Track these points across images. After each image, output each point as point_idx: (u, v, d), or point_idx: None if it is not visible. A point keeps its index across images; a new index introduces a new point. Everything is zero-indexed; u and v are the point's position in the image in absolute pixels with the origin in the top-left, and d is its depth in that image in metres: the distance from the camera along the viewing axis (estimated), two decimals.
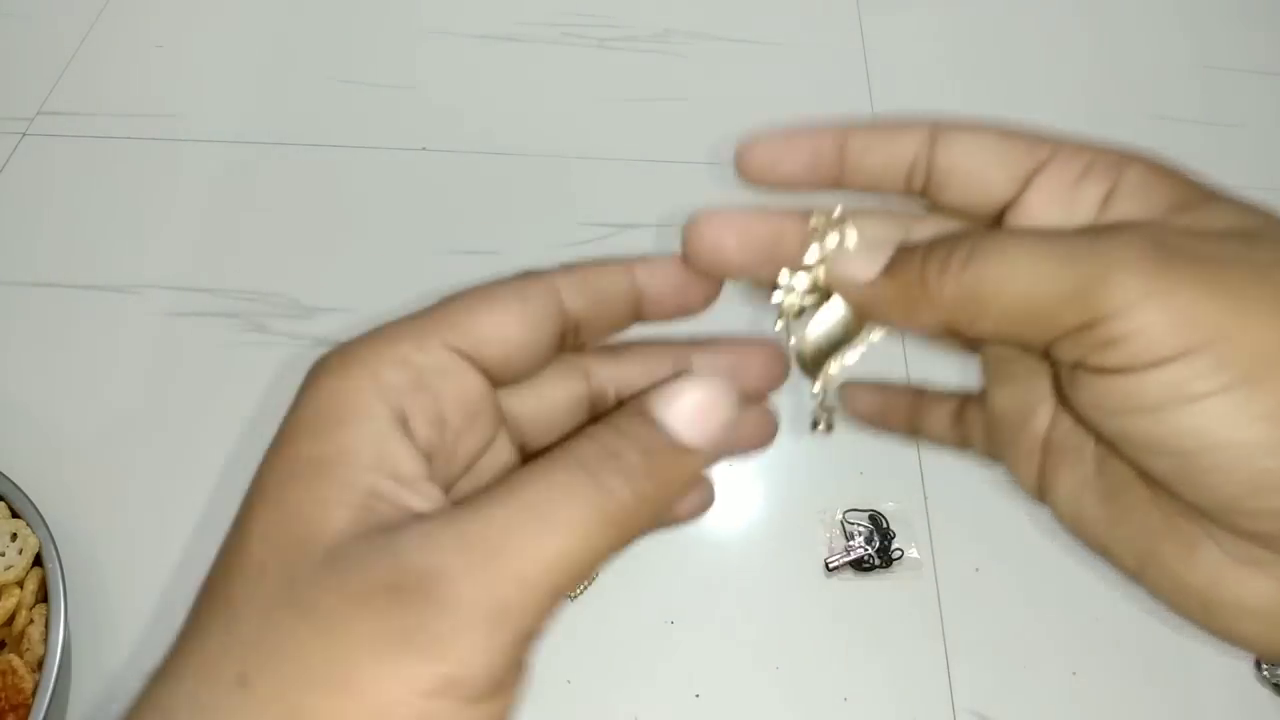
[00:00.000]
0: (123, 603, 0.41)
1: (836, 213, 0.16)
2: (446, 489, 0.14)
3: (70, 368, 0.47)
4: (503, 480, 0.13)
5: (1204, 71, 0.61)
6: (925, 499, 0.44)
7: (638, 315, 0.17)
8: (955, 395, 0.20)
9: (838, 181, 0.17)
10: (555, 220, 0.53)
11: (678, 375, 0.14)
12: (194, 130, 0.56)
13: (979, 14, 0.64)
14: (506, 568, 0.12)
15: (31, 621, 0.38)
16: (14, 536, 0.38)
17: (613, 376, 0.17)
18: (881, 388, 0.20)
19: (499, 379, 0.15)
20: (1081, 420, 0.15)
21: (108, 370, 0.47)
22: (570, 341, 0.16)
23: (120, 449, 0.45)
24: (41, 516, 0.39)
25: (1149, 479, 0.14)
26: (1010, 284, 0.13)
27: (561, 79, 0.60)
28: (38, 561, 0.38)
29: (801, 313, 0.16)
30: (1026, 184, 0.15)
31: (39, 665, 0.36)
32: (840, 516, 0.43)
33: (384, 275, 0.51)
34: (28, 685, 0.36)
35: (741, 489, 0.44)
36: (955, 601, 0.41)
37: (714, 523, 0.43)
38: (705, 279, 0.17)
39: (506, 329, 0.15)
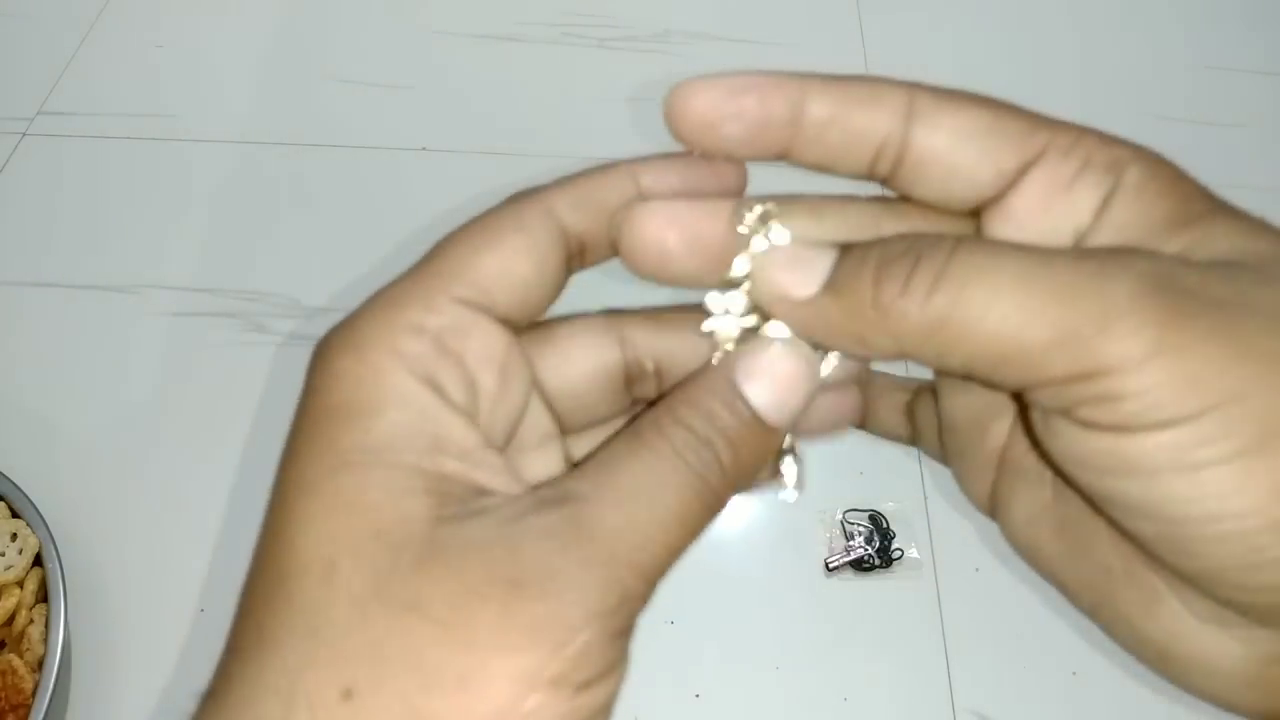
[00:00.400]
0: (123, 602, 0.41)
1: (757, 211, 0.13)
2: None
3: (70, 367, 0.47)
4: (593, 465, 0.13)
5: (1203, 71, 0.61)
6: (925, 499, 0.44)
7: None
8: (906, 385, 0.18)
9: (785, 154, 0.14)
10: None
11: (752, 344, 0.13)
12: (194, 130, 0.56)
13: (978, 14, 0.64)
14: (626, 561, 0.12)
15: (31, 621, 0.38)
16: (14, 536, 0.38)
17: (652, 347, 0.15)
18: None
19: (517, 322, 0.14)
20: (1053, 466, 0.14)
21: (108, 370, 0.47)
22: (576, 265, 0.14)
23: (120, 449, 0.45)
24: (42, 516, 0.39)
25: (1122, 530, 0.13)
26: (991, 319, 0.11)
27: (561, 79, 0.60)
28: (38, 561, 0.38)
29: (743, 339, 0.14)
30: (1015, 180, 0.13)
31: (39, 665, 0.36)
32: (840, 516, 0.43)
33: (384, 276, 0.51)
34: (28, 685, 0.36)
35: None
36: (955, 601, 0.41)
37: (714, 522, 0.43)
38: (722, 173, 0.14)
39: (514, 268, 0.13)
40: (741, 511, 0.44)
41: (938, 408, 0.17)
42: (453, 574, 0.11)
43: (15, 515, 0.39)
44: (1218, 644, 0.13)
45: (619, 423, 0.16)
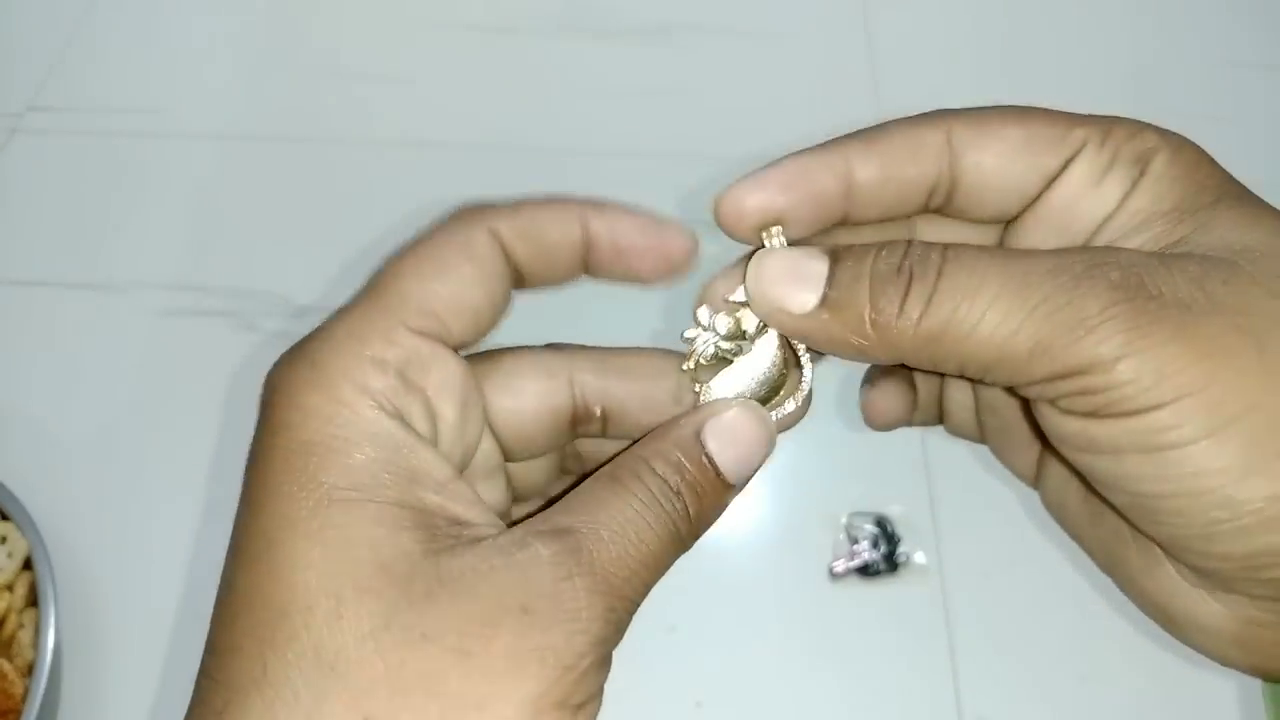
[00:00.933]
0: (114, 606, 0.40)
1: (776, 239, 0.14)
2: None
3: (58, 367, 0.47)
4: (576, 503, 0.13)
5: (1219, 67, 0.60)
6: (931, 502, 0.43)
7: (586, 270, 0.15)
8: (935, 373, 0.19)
9: (846, 220, 0.15)
10: None
11: (718, 403, 0.14)
12: (185, 125, 0.56)
13: (986, 3, 0.63)
14: (620, 593, 0.13)
15: (21, 626, 0.37)
16: (3, 539, 0.38)
17: (602, 391, 0.16)
18: (892, 381, 0.18)
19: (467, 347, 0.15)
20: (1043, 441, 0.15)
21: (96, 369, 0.46)
22: (514, 288, 0.15)
23: (110, 449, 0.44)
24: (31, 519, 0.38)
25: (1103, 500, 0.15)
26: (979, 334, 0.13)
27: (559, 72, 0.59)
28: (27, 565, 0.38)
29: (718, 359, 0.15)
30: (1053, 180, 0.14)
31: (29, 670, 0.35)
32: (844, 520, 0.42)
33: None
34: (18, 690, 0.35)
35: (745, 493, 0.44)
36: (963, 607, 0.40)
37: (716, 527, 0.42)
38: (669, 244, 0.15)
39: (465, 297, 0.14)
40: (744, 516, 0.43)
41: (975, 392, 0.18)
42: (463, 603, 0.12)
43: (4, 518, 0.39)
44: (1205, 606, 0.14)
45: (555, 457, 0.17)
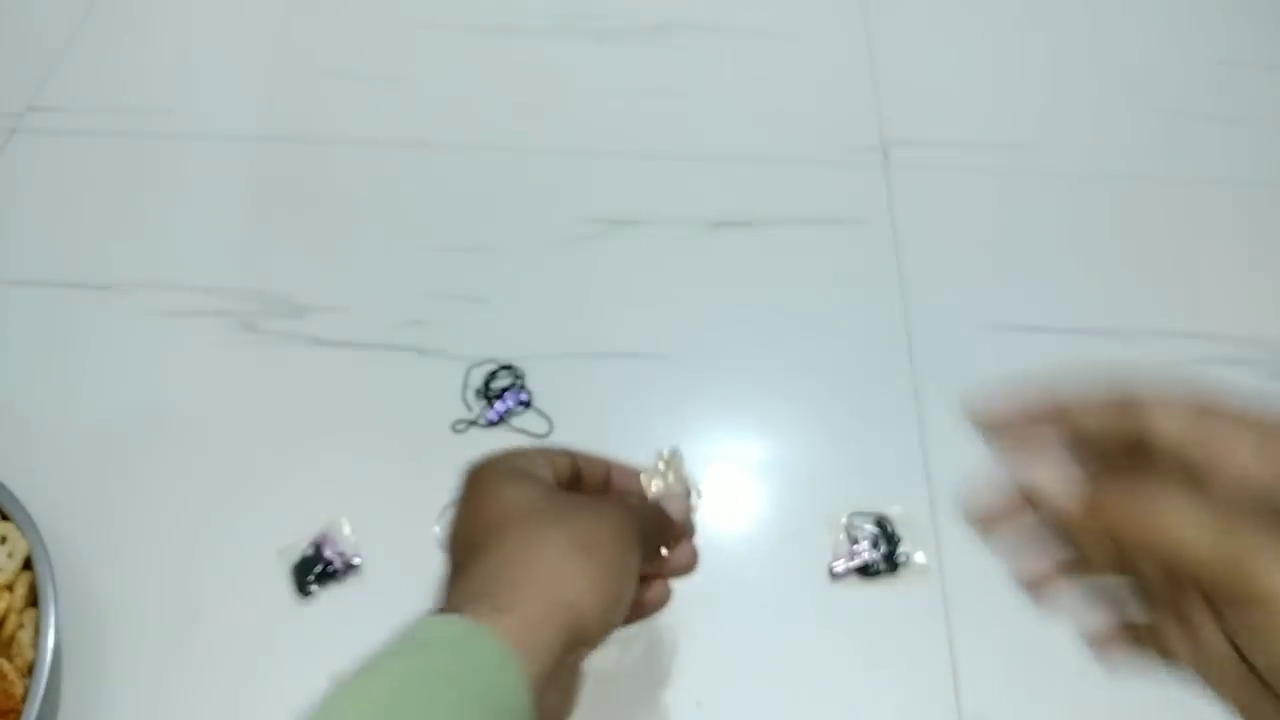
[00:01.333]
0: (114, 606, 0.40)
1: (666, 455, 0.33)
2: None
3: (59, 367, 0.47)
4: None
5: (1215, 66, 0.60)
6: (931, 502, 0.43)
7: (609, 486, 0.32)
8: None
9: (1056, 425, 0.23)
10: (552, 217, 0.53)
11: (663, 495, 0.32)
12: (185, 126, 0.56)
13: (985, 4, 0.63)
14: (632, 509, 0.29)
15: (21, 626, 0.37)
16: (3, 540, 0.38)
17: (584, 465, 0.32)
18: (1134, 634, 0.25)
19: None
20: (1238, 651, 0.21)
21: (97, 370, 0.46)
22: (573, 485, 0.31)
23: (110, 450, 0.44)
24: (31, 519, 0.38)
25: None
26: (1175, 537, 0.19)
27: (558, 72, 0.59)
28: (27, 565, 0.38)
29: (665, 486, 0.32)
30: (1210, 458, 0.21)
31: (29, 670, 0.35)
32: (844, 520, 0.42)
33: (378, 273, 0.50)
34: (18, 690, 0.35)
35: (745, 493, 0.44)
36: (962, 607, 0.40)
37: (717, 527, 0.42)
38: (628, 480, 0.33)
39: (559, 463, 0.30)
40: (745, 516, 0.43)
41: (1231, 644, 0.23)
42: (573, 498, 0.28)
43: (5, 518, 0.39)
44: None
45: None
